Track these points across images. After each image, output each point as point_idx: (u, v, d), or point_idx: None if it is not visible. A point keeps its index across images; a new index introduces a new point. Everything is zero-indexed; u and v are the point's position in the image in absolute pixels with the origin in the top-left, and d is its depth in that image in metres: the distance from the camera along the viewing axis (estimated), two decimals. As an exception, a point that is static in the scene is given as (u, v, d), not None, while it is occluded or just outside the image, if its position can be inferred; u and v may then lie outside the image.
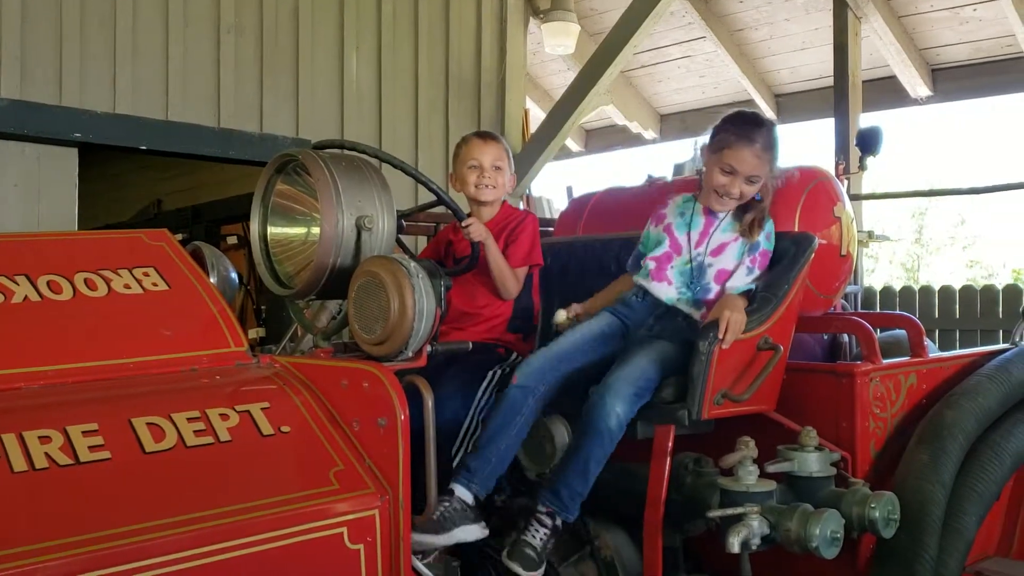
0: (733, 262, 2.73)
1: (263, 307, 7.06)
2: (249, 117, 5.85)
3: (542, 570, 2.46)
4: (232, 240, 7.24)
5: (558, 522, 2.52)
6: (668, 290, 2.77)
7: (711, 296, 2.72)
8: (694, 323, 2.70)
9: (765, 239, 2.75)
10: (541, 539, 2.48)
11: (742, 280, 2.70)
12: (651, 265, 2.82)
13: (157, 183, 8.49)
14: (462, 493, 2.46)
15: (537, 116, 8.24)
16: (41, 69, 4.97)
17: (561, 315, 2.84)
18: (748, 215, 2.76)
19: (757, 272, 2.73)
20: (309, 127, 6.00)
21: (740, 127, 2.76)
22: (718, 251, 2.75)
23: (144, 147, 5.46)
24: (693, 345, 2.54)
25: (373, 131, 6.38)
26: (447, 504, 2.41)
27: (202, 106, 5.63)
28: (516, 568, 2.42)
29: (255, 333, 6.87)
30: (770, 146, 2.74)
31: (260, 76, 5.86)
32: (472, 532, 2.49)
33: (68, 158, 5.27)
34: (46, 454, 1.66)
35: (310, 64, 6.06)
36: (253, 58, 5.84)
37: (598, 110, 8.90)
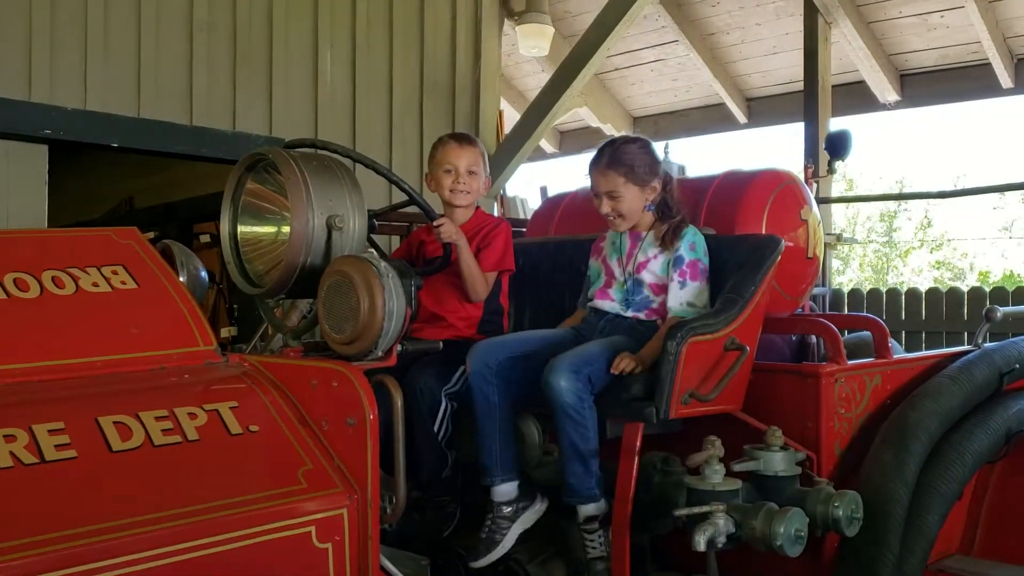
0: (658, 276, 2.86)
1: (235, 306, 7.02)
2: (222, 115, 5.81)
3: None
4: (205, 239, 7.19)
5: (596, 514, 2.60)
6: (612, 305, 2.93)
7: (654, 306, 2.86)
8: (643, 321, 2.85)
9: (688, 250, 2.83)
10: (600, 543, 2.58)
11: (677, 297, 2.80)
12: (593, 292, 3.00)
13: (129, 181, 8.40)
14: (499, 494, 2.69)
15: (512, 117, 8.27)
16: (10, 65, 4.92)
17: None
18: (661, 227, 2.89)
19: (693, 285, 2.80)
20: (282, 126, 5.97)
21: (594, 155, 2.93)
22: (642, 267, 2.89)
23: (115, 144, 5.42)
24: (642, 337, 2.69)
25: (347, 131, 6.36)
26: (490, 516, 2.67)
27: (174, 103, 5.59)
28: None
29: (227, 332, 6.83)
30: (617, 161, 2.84)
31: (233, 74, 5.82)
32: (527, 520, 2.72)
33: (38, 155, 5.21)
34: (11, 453, 1.65)
35: (284, 63, 6.03)
36: (226, 56, 5.80)
37: (572, 112, 8.95)
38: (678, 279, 2.80)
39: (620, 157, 2.84)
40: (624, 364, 2.59)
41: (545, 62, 8.53)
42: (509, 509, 2.71)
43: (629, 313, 2.87)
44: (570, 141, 10.52)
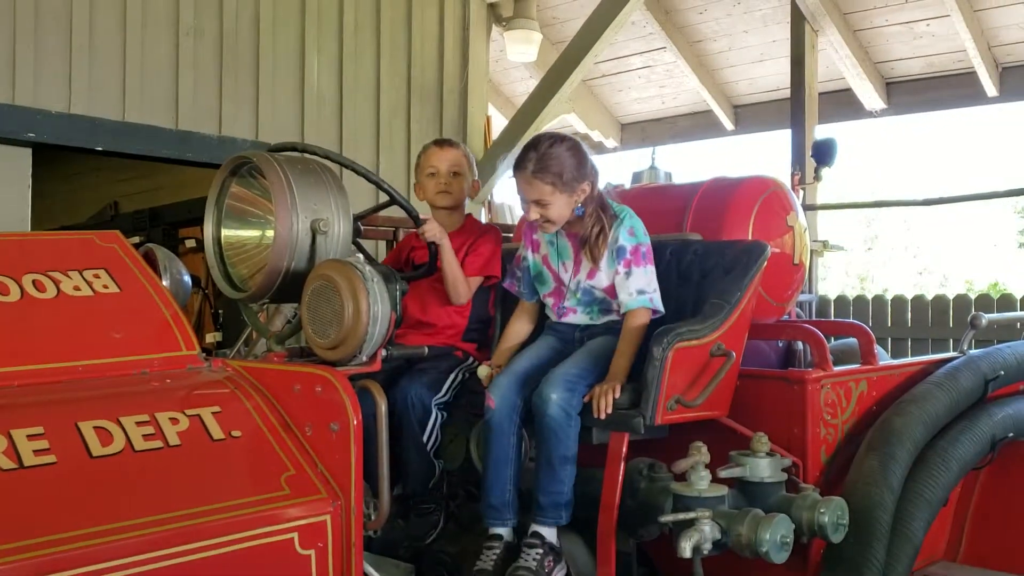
0: (608, 276, 2.74)
1: (220, 311, 6.99)
2: (208, 120, 5.79)
3: None
4: (190, 243, 7.16)
5: (551, 537, 2.55)
6: (579, 318, 2.85)
7: (615, 306, 2.77)
8: (617, 321, 2.77)
9: (627, 236, 2.71)
10: (535, 558, 2.51)
11: (625, 289, 2.69)
12: (550, 302, 2.89)
13: (114, 185, 8.37)
14: (505, 533, 2.63)
15: (500, 123, 8.27)
16: (-7, 67, 4.89)
17: (483, 371, 2.83)
18: (584, 236, 2.75)
19: (638, 271, 2.69)
20: (269, 131, 5.95)
21: (518, 157, 2.75)
22: (591, 275, 2.78)
23: (100, 148, 5.39)
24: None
25: (334, 137, 6.35)
26: (495, 552, 2.58)
27: (160, 108, 5.56)
28: None
29: (212, 337, 6.79)
30: (543, 169, 2.66)
31: (219, 79, 5.81)
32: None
33: (21, 158, 5.17)
34: (-11, 458, 1.63)
35: (271, 68, 6.02)
36: (212, 61, 5.78)
37: (560, 118, 8.92)
38: (623, 270, 2.69)
39: (547, 164, 2.66)
40: (604, 403, 2.50)
41: (533, 68, 8.53)
42: (504, 548, 2.63)
43: (600, 321, 2.82)
44: (558, 147, 10.50)
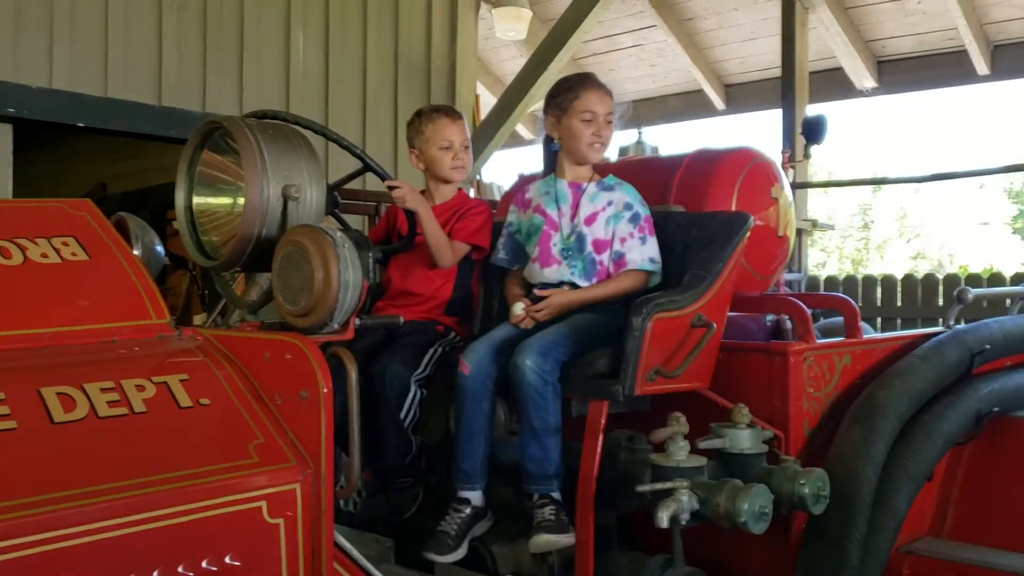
0: (605, 231, 2.78)
1: (206, 292, 6.94)
2: (191, 96, 5.73)
3: (569, 536, 2.49)
4: (178, 224, 7.10)
5: (559, 496, 2.55)
6: (559, 270, 2.81)
7: (599, 268, 2.78)
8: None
9: (641, 205, 2.82)
10: (551, 512, 2.51)
11: (640, 252, 2.76)
12: (536, 252, 2.86)
13: (102, 166, 8.32)
14: (474, 498, 2.64)
15: (488, 102, 8.21)
16: (-29, 41, 4.82)
17: (520, 307, 2.79)
18: (597, 176, 2.88)
19: (652, 240, 2.77)
20: (253, 106, 5.85)
21: (575, 81, 2.88)
22: (590, 220, 2.81)
23: (82, 124, 5.33)
24: (606, 311, 2.66)
25: (319, 113, 6.28)
26: (461, 515, 2.60)
27: (143, 83, 5.50)
28: (544, 537, 2.48)
29: (200, 319, 6.74)
30: (610, 92, 2.87)
31: (204, 54, 5.74)
32: (482, 527, 2.68)
33: (2, 134, 5.11)
34: (-55, 423, 1.59)
35: (255, 42, 5.95)
36: (196, 35, 5.72)
37: (549, 97, 8.89)
38: (639, 234, 2.76)
39: (610, 90, 2.85)
40: (531, 314, 2.67)
41: (523, 46, 8.47)
42: (473, 513, 2.65)
43: (579, 280, 2.79)
44: (548, 127, 10.45)
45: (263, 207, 2.17)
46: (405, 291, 3.04)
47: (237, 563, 1.75)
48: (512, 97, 7.04)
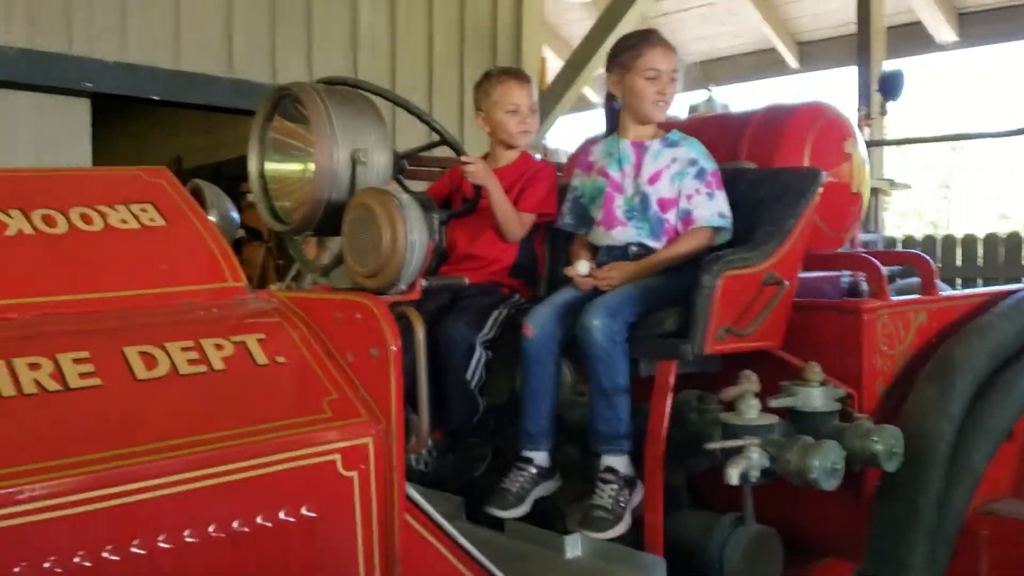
0: (670, 188, 2.75)
1: (281, 262, 7.09)
2: (261, 67, 5.82)
3: (622, 526, 2.48)
4: (252, 197, 7.24)
5: (623, 467, 2.54)
6: (625, 231, 2.79)
7: (667, 226, 2.75)
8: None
9: (706, 159, 2.77)
10: (610, 497, 2.49)
11: (708, 208, 2.72)
12: (600, 215, 2.84)
13: (177, 140, 8.53)
14: (538, 458, 2.65)
15: (555, 66, 8.15)
16: (49, 17, 4.96)
17: (584, 267, 2.80)
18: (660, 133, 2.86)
19: (720, 194, 2.73)
20: (322, 76, 5.94)
21: (638, 38, 2.84)
22: (654, 179, 2.77)
23: (156, 97, 5.46)
24: (672, 270, 2.65)
25: (387, 80, 6.33)
26: (524, 474, 2.62)
27: (214, 55, 5.61)
28: (591, 533, 2.48)
29: (276, 288, 6.88)
30: (673, 48, 2.83)
31: (272, 24, 5.82)
32: (547, 488, 2.69)
33: (80, 108, 5.28)
34: (35, 380, 1.66)
35: (322, 11, 6.01)
36: (265, 5, 5.79)
37: (617, 59, 8.79)
38: (705, 190, 2.73)
39: (674, 47, 2.82)
40: (600, 278, 2.65)
41: (591, 8, 8.38)
42: (538, 473, 2.68)
43: (647, 239, 2.77)
44: (615, 91, 10.34)
45: (332, 171, 2.21)
46: (470, 255, 3.06)
47: (313, 514, 1.81)
48: (579, 60, 6.99)
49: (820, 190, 2.67)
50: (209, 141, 8.06)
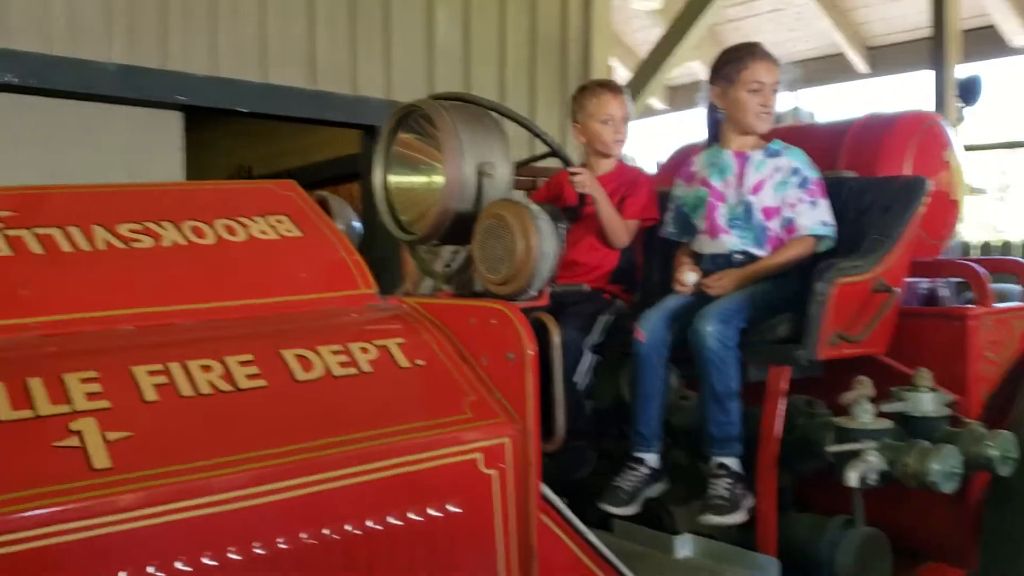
0: (773, 198, 2.81)
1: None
2: (342, 79, 5.96)
3: (739, 515, 2.55)
4: (319, 206, 7.37)
5: (735, 466, 2.60)
6: (729, 239, 2.85)
7: (770, 234, 2.81)
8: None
9: (809, 168, 2.82)
10: (725, 489, 2.56)
11: (811, 216, 2.77)
12: (703, 225, 2.91)
13: (244, 150, 8.68)
14: (650, 459, 2.72)
15: (620, 74, 8.21)
16: (147, 35, 5.14)
17: (692, 277, 2.88)
18: (761, 143, 2.90)
19: (824, 202, 2.78)
20: (399, 88, 6.09)
21: (743, 51, 2.89)
22: (757, 188, 2.83)
23: (244, 109, 5.63)
24: (779, 278, 2.71)
25: (460, 88, 6.43)
26: (636, 474, 2.70)
27: (298, 68, 5.76)
28: (713, 517, 2.55)
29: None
30: (776, 61, 2.88)
31: (353, 37, 5.96)
32: (657, 489, 2.76)
33: (173, 121, 5.46)
34: (209, 382, 1.78)
35: (400, 24, 6.14)
36: (346, 19, 5.94)
37: (684, 66, 8.82)
38: (808, 199, 2.79)
39: (777, 59, 2.87)
40: (714, 284, 2.72)
41: (656, 16, 8.42)
42: (649, 473, 2.75)
43: (751, 247, 2.83)
44: (680, 97, 10.37)
45: (460, 183, 2.31)
46: (573, 261, 3.14)
47: (458, 510, 1.90)
48: (649, 67, 7.04)
49: (927, 199, 2.70)
50: (274, 150, 8.21)
